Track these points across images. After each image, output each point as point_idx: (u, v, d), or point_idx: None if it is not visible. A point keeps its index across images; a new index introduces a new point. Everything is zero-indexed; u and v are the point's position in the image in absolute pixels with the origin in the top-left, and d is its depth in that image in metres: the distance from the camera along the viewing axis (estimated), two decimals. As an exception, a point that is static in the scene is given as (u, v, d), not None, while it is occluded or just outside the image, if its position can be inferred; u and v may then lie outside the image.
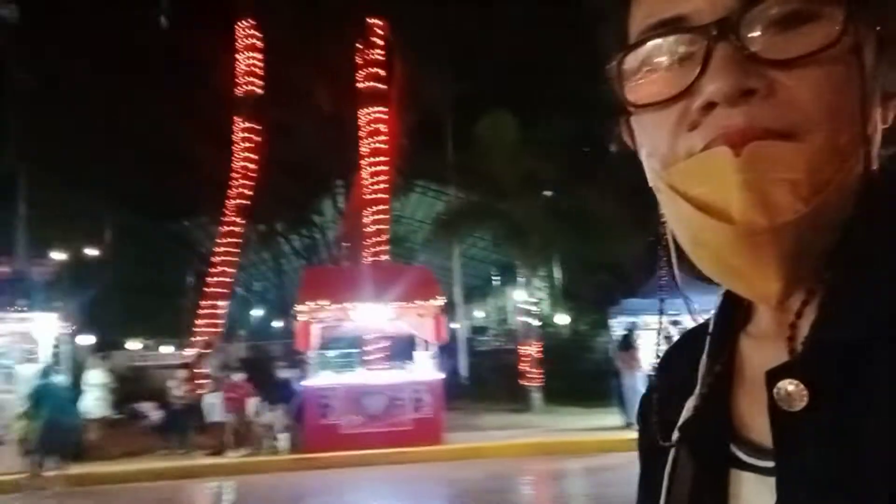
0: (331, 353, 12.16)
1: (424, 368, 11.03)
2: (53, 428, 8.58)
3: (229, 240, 20.07)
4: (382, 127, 17.70)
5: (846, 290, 0.44)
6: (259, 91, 19.88)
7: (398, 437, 10.13)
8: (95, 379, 10.55)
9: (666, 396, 0.56)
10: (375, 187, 17.53)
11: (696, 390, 0.53)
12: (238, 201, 19.89)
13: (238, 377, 10.72)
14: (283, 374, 11.03)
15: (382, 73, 17.83)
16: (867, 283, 0.43)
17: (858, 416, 0.40)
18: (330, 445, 9.96)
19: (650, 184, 0.52)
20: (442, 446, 10.19)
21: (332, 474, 9.32)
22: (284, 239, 24.44)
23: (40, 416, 8.61)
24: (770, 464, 0.45)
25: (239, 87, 19.80)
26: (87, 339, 15.71)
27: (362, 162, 17.82)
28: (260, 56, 19.84)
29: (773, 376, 0.44)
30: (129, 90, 18.51)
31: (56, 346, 10.75)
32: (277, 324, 26.37)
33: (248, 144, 19.92)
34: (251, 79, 19.84)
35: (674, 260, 0.54)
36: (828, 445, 0.41)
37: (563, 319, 19.93)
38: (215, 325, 18.98)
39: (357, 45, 18.15)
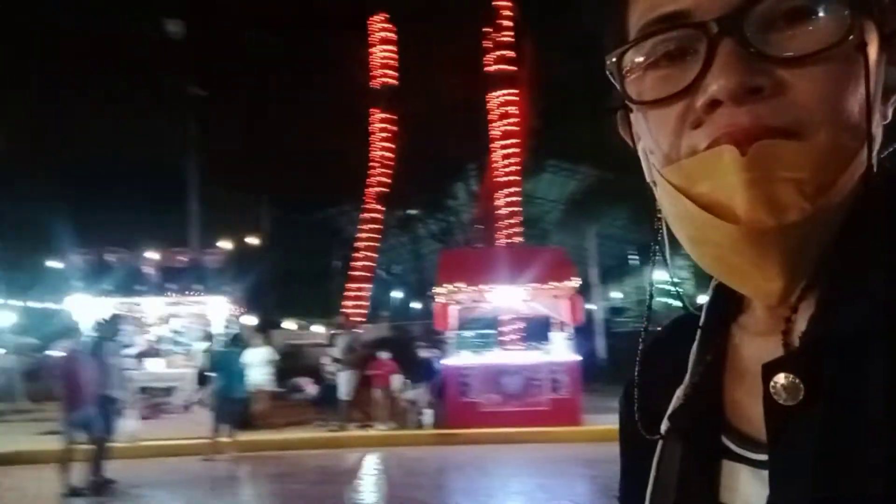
0: (468, 334, 12.48)
1: (561, 350, 11.02)
2: (225, 398, 9.64)
3: (370, 226, 21.19)
4: (513, 109, 17.72)
5: (842, 286, 0.43)
6: (394, 82, 20.65)
7: (536, 416, 10.26)
8: (261, 355, 11.65)
9: (650, 388, 0.55)
10: (508, 169, 17.63)
11: (686, 379, 0.53)
12: (377, 189, 20.91)
13: (384, 355, 11.36)
14: (424, 353, 11.50)
15: (511, 55, 17.82)
16: (863, 279, 0.42)
17: (854, 412, 0.39)
18: (470, 422, 10.30)
19: (647, 179, 0.52)
20: (581, 427, 10.16)
21: (473, 450, 9.65)
22: (421, 223, 25.28)
23: (217, 384, 9.69)
24: (762, 456, 0.45)
25: (375, 80, 20.69)
26: (251, 320, 17.27)
27: (494, 145, 17.97)
28: (394, 48, 20.54)
29: (770, 370, 0.43)
30: (277, 93, 19.98)
31: (226, 326, 11.98)
32: (416, 305, 27.37)
33: (384, 134, 20.83)
34: (386, 71, 20.66)
35: (667, 254, 0.55)
36: (823, 440, 0.40)
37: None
38: (360, 307, 20.17)
39: (485, 29, 18.24)
